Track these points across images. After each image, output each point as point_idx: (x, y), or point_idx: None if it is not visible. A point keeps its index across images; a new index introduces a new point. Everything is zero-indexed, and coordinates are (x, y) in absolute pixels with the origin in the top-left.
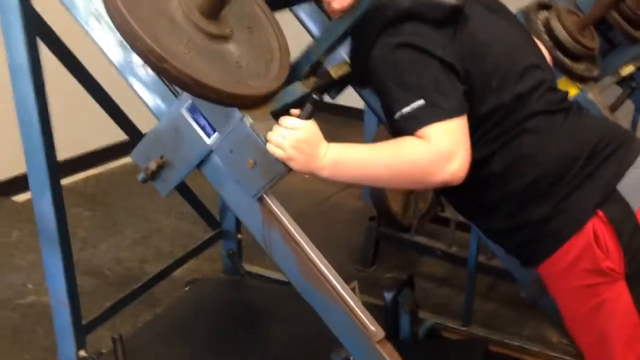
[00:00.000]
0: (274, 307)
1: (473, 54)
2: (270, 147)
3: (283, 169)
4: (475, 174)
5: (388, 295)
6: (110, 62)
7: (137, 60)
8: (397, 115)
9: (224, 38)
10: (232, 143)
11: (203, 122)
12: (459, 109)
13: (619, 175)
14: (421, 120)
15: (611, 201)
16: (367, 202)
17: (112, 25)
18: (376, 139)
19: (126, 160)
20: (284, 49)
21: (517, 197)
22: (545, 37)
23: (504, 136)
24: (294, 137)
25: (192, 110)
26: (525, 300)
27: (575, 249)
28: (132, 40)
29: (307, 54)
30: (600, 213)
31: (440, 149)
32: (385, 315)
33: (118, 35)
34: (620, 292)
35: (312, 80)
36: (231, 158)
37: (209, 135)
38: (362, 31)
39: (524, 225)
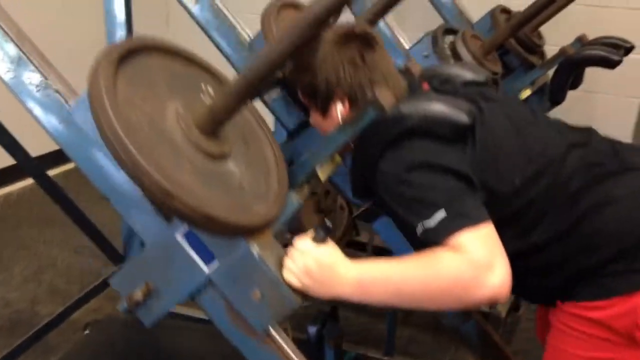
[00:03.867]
0: (186, 347)
1: (487, 162)
2: (285, 274)
3: (296, 301)
4: (531, 262)
5: (312, 330)
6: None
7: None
8: (420, 230)
9: (225, 156)
10: (236, 273)
11: (201, 248)
12: (484, 215)
13: None
14: (449, 230)
15: None
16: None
17: None
18: None
19: (11, 188)
20: (279, 156)
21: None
22: (452, 61)
23: (557, 223)
24: (307, 263)
25: (189, 236)
26: (447, 326)
27: (618, 309)
28: (137, 174)
29: (302, 163)
30: None
31: (478, 258)
32: (309, 351)
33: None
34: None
35: (305, 188)
36: (234, 289)
37: (207, 263)
38: (364, 142)
39: (582, 272)
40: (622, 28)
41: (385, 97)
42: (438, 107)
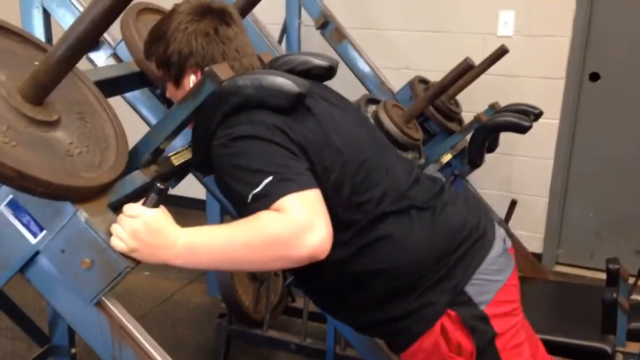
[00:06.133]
0: None
1: (315, 147)
2: (112, 239)
3: (124, 266)
4: (336, 273)
5: None
6: None
7: None
8: (249, 198)
9: (51, 125)
10: (64, 242)
11: (27, 219)
12: (310, 182)
13: (467, 277)
14: (274, 194)
15: (460, 301)
16: (214, 298)
17: None
18: None
19: None
20: (121, 135)
21: (378, 297)
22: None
23: (361, 239)
24: (135, 226)
25: (13, 206)
26: None
27: (427, 346)
28: None
29: (146, 141)
30: (451, 313)
31: (297, 219)
32: None
33: None
34: None
35: (153, 168)
36: (62, 259)
37: (34, 235)
38: (204, 117)
39: (384, 321)
40: (530, 95)
41: (223, 70)
42: (272, 78)
